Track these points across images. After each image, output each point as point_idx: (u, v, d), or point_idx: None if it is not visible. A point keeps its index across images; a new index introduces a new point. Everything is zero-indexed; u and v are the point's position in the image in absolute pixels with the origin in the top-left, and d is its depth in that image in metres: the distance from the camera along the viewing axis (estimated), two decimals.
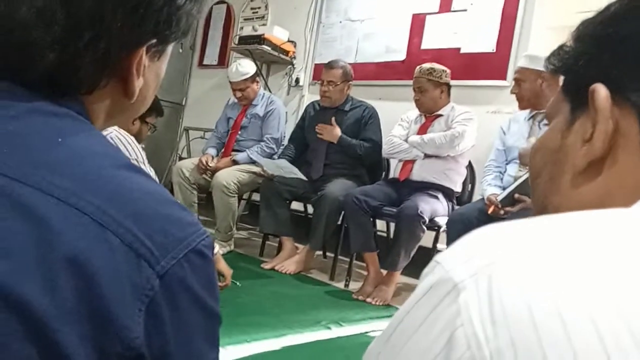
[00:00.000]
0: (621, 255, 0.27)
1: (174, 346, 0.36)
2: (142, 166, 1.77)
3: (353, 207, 2.52)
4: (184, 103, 4.82)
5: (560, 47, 0.44)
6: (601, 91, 0.37)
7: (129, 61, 0.43)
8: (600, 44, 0.40)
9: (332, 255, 2.80)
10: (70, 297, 0.32)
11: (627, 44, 0.37)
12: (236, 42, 3.90)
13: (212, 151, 3.26)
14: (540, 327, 0.25)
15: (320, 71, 3.27)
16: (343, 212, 2.66)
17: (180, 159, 3.96)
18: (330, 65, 2.93)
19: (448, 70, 2.59)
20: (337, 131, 2.85)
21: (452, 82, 2.85)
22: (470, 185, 2.76)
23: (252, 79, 3.19)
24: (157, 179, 1.81)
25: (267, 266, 2.77)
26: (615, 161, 0.37)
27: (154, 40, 0.43)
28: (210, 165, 3.07)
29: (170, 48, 0.48)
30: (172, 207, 0.39)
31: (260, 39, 3.67)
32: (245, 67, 3.17)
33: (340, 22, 3.69)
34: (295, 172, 2.78)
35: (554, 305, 0.25)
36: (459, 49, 3.07)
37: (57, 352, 0.31)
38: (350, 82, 2.96)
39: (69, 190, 0.34)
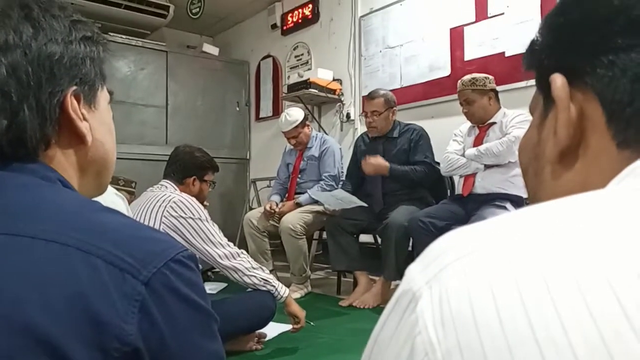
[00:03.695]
0: (567, 243, 0.26)
1: (170, 340, 0.42)
2: (205, 223, 1.86)
3: (419, 231, 2.48)
4: (248, 157, 5.05)
5: (531, 43, 0.44)
6: (557, 80, 0.38)
7: (63, 109, 0.50)
8: (555, 33, 0.40)
9: None
10: (65, 311, 0.38)
11: (577, 30, 0.37)
12: (285, 91, 4.08)
13: (276, 197, 3.37)
14: (480, 325, 0.25)
15: None
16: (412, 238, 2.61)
17: (251, 209, 4.12)
18: (371, 96, 2.95)
19: (491, 77, 2.52)
20: (383, 163, 2.79)
21: (503, 87, 2.79)
22: None
23: (302, 124, 3.30)
24: (221, 235, 1.91)
25: (344, 303, 2.76)
26: (587, 146, 0.37)
27: (75, 87, 0.51)
28: (275, 210, 3.17)
29: (103, 97, 0.56)
30: (145, 230, 0.46)
31: (306, 84, 3.80)
32: (293, 115, 3.29)
33: (380, 51, 3.74)
34: (355, 201, 2.77)
35: (492, 302, 0.25)
36: (503, 52, 2.99)
37: (61, 355, 0.37)
38: (394, 108, 2.96)
39: (54, 232, 0.41)
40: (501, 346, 0.24)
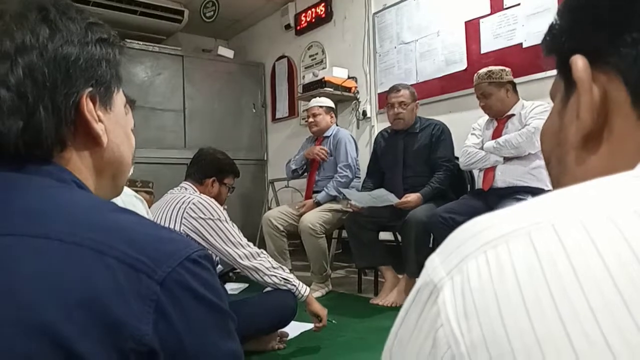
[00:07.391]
0: (596, 230, 0.25)
1: (187, 340, 0.41)
2: (225, 224, 1.88)
3: (440, 227, 2.45)
4: (265, 158, 5.07)
5: (550, 27, 0.43)
6: (578, 62, 0.36)
7: (79, 110, 0.50)
8: (575, 14, 0.39)
9: None
10: (80, 313, 0.38)
11: (598, 8, 0.36)
12: (301, 91, 4.09)
13: (292, 165, 3.49)
14: (506, 316, 0.24)
15: (384, 100, 3.30)
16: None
17: (270, 209, 4.13)
18: (396, 89, 2.94)
19: (508, 69, 2.48)
20: (416, 197, 2.76)
21: (522, 79, 2.75)
22: None
23: (326, 110, 3.39)
24: (241, 235, 1.91)
25: (376, 301, 2.77)
26: (612, 129, 0.35)
27: (90, 89, 0.51)
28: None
29: (119, 99, 0.56)
30: (160, 230, 0.46)
31: (322, 83, 3.80)
32: (322, 100, 3.47)
33: (395, 47, 3.72)
34: (391, 199, 2.74)
35: (517, 292, 0.25)
36: (520, 44, 2.94)
37: (77, 357, 0.37)
38: (417, 102, 2.96)
39: (68, 233, 0.41)
40: (531, 343, 0.23)
